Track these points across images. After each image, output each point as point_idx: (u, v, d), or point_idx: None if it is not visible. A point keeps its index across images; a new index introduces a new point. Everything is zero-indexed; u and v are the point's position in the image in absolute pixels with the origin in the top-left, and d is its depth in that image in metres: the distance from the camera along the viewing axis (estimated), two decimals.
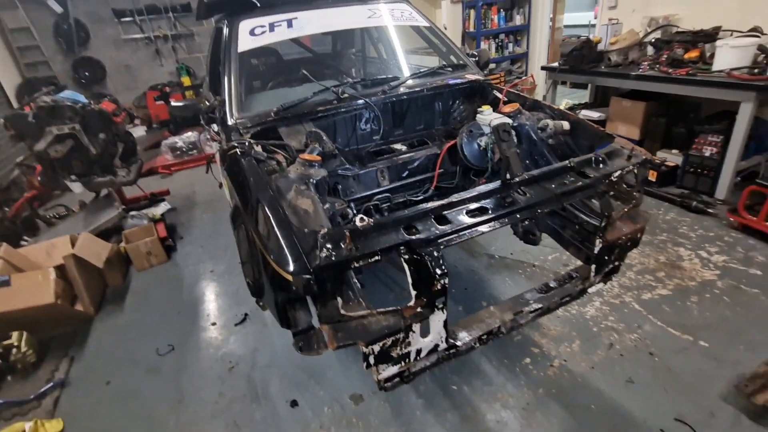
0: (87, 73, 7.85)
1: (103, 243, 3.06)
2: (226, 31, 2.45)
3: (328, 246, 1.21)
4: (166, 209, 3.96)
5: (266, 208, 1.36)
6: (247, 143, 1.76)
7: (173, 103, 6.86)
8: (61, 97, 3.10)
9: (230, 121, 2.10)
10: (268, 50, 3.47)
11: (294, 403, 2.04)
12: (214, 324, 2.66)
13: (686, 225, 3.09)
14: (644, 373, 1.97)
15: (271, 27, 2.40)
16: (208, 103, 2.46)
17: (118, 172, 3.39)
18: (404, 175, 2.18)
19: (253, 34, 2.38)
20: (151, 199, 4.07)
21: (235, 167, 1.69)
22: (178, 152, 5.67)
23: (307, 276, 1.15)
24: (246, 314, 2.67)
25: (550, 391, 1.94)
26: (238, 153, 1.72)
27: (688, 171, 3.51)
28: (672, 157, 3.65)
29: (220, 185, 2.52)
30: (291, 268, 1.17)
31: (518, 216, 1.44)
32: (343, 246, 1.21)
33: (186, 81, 8.33)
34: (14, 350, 2.30)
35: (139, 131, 7.42)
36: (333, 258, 1.18)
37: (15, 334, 2.34)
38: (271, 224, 1.30)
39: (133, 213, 3.58)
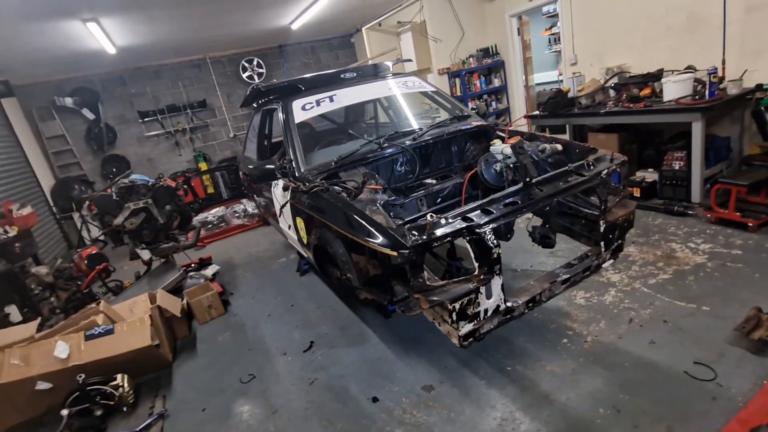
0: (114, 169, 8.65)
1: (175, 298, 3.47)
2: (280, 109, 3.13)
3: (414, 233, 1.71)
4: (216, 270, 4.40)
5: (360, 215, 1.88)
6: (324, 183, 2.33)
7: None
8: (133, 178, 3.71)
9: (299, 173, 2.69)
10: (303, 124, 4.20)
11: (375, 399, 2.37)
12: (284, 354, 3.01)
13: (673, 226, 3.62)
14: (662, 335, 2.37)
15: (318, 102, 3.09)
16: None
17: (179, 237, 3.89)
18: (437, 201, 2.74)
19: (304, 109, 3.06)
20: (200, 263, 4.53)
21: (320, 198, 2.23)
22: (210, 226, 6.23)
23: (407, 251, 1.64)
24: (312, 342, 3.03)
25: (589, 359, 2.32)
26: (320, 189, 2.27)
27: (664, 184, 4.13)
28: (648, 175, 4.30)
29: (289, 227, 3.03)
30: (394, 247, 1.66)
31: (539, 204, 1.97)
32: (425, 232, 1.72)
33: (203, 166, 9.23)
34: (120, 390, 2.62)
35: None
36: (421, 239, 1.68)
37: (119, 376, 2.67)
38: (369, 223, 1.81)
39: (191, 273, 4.01)
